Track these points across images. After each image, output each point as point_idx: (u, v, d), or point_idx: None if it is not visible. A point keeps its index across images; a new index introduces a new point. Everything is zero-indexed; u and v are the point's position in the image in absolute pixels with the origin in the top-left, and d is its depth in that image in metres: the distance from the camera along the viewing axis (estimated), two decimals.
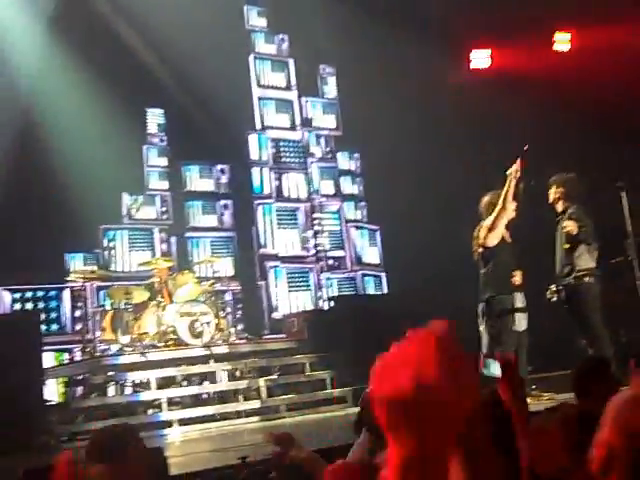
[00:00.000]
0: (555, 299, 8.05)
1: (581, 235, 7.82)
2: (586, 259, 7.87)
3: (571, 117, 11.84)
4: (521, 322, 7.74)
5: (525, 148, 10.03)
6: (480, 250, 7.47)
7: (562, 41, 13.14)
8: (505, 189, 7.50)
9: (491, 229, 7.40)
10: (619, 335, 10.51)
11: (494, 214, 7.44)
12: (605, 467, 1.81)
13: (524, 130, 11.45)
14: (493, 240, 7.40)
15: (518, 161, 7.62)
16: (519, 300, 7.82)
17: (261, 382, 9.48)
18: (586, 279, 7.76)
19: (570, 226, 7.72)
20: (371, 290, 13.41)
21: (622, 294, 9.38)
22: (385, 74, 12.71)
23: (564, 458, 2.29)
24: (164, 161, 13.02)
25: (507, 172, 7.58)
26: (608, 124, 11.49)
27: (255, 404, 9.27)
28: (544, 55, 12.91)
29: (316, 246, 13.42)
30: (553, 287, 8.10)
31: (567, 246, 8.01)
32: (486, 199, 7.66)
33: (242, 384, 9.46)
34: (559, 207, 8.09)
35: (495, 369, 1.51)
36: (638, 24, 11.73)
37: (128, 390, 9.25)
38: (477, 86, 13.06)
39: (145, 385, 9.16)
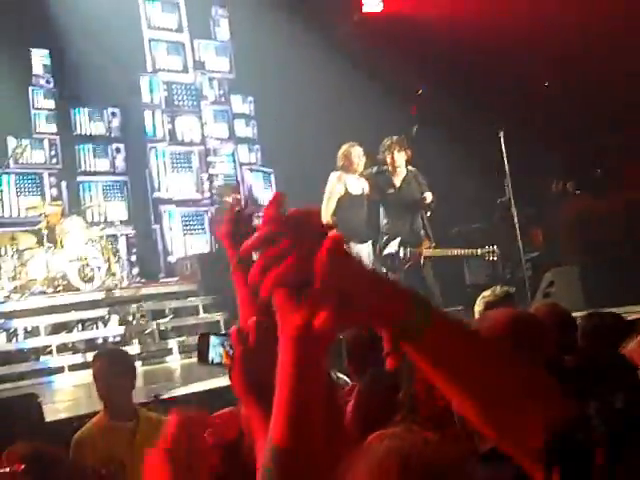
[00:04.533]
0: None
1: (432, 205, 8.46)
2: None
3: (459, 63, 12.09)
4: None
5: (419, 92, 10.24)
6: None
7: None
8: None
9: None
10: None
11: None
12: None
13: (414, 76, 11.64)
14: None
15: None
16: (361, 249, 8.22)
17: (154, 325, 9.53)
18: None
19: (430, 197, 8.32)
20: None
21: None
22: (277, 17, 12.61)
23: None
24: (51, 103, 12.61)
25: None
26: (495, 70, 11.79)
27: (148, 347, 9.32)
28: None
29: (210, 189, 13.38)
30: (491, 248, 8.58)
31: (428, 214, 8.57)
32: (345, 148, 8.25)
33: (135, 328, 9.50)
34: (401, 171, 8.54)
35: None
36: None
37: (17, 337, 9.14)
38: (369, 31, 13.13)
39: (34, 331, 9.07)
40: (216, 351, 1.58)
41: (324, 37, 12.58)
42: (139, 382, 7.15)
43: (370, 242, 8.32)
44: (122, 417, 4.18)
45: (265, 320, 1.52)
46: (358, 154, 8.37)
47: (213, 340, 1.59)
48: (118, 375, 4.21)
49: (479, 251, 8.83)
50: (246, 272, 2.58)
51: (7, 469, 2.64)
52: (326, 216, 8.13)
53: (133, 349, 9.19)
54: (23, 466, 2.63)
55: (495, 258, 8.93)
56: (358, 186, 8.36)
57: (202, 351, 1.60)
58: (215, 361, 1.58)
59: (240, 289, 2.59)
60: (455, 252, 8.83)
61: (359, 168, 8.37)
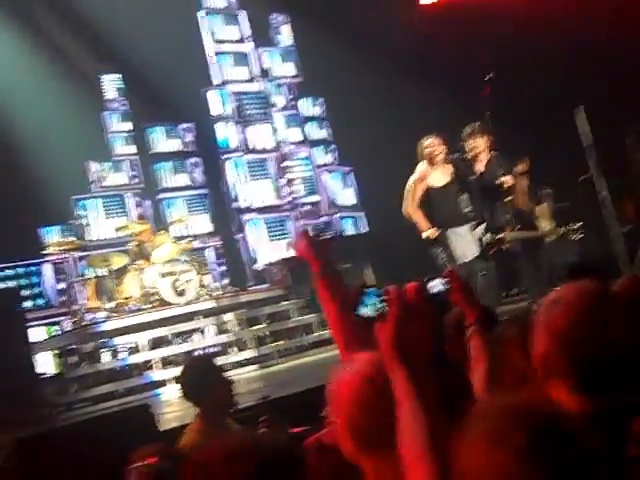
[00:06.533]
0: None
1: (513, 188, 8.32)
2: None
3: (521, 42, 11.88)
4: (465, 252, 7.98)
5: (488, 77, 10.06)
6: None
7: None
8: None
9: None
10: None
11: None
12: (545, 373, 1.84)
13: (482, 62, 11.48)
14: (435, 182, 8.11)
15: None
16: (461, 232, 8.08)
17: (250, 332, 9.63)
18: None
19: (511, 181, 8.21)
20: (350, 231, 13.47)
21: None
22: (337, 16, 12.60)
23: (524, 367, 2.28)
24: (128, 125, 12.93)
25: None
26: (561, 48, 11.55)
27: (248, 354, 9.41)
28: None
29: (290, 194, 13.45)
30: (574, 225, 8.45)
31: (511, 198, 8.41)
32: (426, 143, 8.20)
33: (232, 336, 9.60)
34: (483, 157, 8.40)
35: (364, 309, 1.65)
36: None
37: (119, 355, 9.34)
38: (429, 23, 13.00)
39: (135, 348, 9.26)
40: (368, 306, 1.61)
41: (387, 30, 12.51)
42: (243, 388, 7.26)
43: (470, 225, 8.21)
44: (216, 423, 4.18)
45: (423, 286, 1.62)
46: (434, 144, 8.26)
47: (367, 294, 1.61)
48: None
49: (561, 230, 8.64)
50: (330, 283, 2.60)
51: (140, 463, 2.75)
52: (409, 205, 8.11)
53: (232, 357, 9.31)
54: (155, 459, 2.73)
55: (579, 236, 8.71)
56: (443, 176, 8.25)
57: (354, 303, 1.63)
58: (364, 314, 1.61)
59: (326, 300, 2.61)
60: (536, 233, 8.65)
61: (439, 159, 8.26)
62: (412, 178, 8.31)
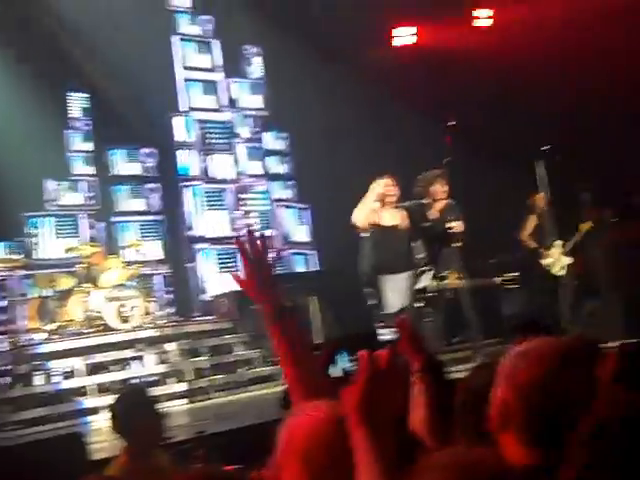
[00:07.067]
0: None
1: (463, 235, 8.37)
2: None
3: (491, 93, 12.02)
4: (394, 302, 7.92)
5: (450, 124, 10.17)
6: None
7: (483, 17, 13.20)
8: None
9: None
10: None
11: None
12: (502, 423, 1.87)
13: (450, 107, 11.61)
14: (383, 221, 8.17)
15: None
16: (398, 279, 8.06)
17: (190, 364, 9.52)
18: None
19: (460, 227, 8.25)
20: (300, 268, 13.42)
21: None
22: (309, 53, 12.67)
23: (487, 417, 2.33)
24: (89, 146, 12.79)
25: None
26: (526, 100, 11.70)
27: (185, 386, 9.29)
28: (465, 32, 12.97)
29: (245, 226, 13.36)
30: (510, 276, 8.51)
31: (460, 244, 8.44)
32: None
33: (172, 367, 9.48)
34: (439, 204, 8.47)
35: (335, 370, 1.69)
36: None
37: (54, 379, 9.17)
38: (401, 64, 13.14)
39: (72, 372, 9.10)
40: (340, 366, 1.69)
41: (356, 70, 12.62)
42: (179, 420, 7.16)
43: (409, 273, 8.16)
44: (143, 457, 4.10)
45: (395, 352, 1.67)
46: (388, 185, 8.26)
47: (339, 354, 1.68)
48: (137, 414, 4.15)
49: (498, 280, 8.73)
50: (285, 328, 2.47)
51: None
52: (359, 217, 8.10)
53: (170, 388, 9.18)
54: None
55: (514, 287, 8.82)
56: (393, 218, 8.24)
57: (325, 363, 1.68)
58: (334, 375, 1.68)
59: (278, 340, 2.51)
60: (477, 283, 8.73)
61: (391, 200, 8.25)
62: (367, 196, 8.24)
